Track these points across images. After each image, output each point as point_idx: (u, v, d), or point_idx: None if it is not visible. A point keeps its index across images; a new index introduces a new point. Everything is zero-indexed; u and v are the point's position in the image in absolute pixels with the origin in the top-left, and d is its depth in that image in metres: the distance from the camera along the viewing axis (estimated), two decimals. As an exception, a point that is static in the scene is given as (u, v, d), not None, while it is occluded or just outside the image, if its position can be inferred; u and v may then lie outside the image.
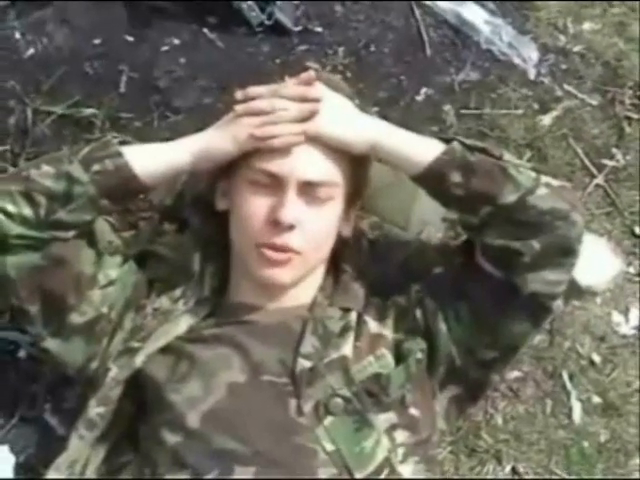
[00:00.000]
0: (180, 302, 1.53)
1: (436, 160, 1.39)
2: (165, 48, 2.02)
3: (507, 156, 1.42)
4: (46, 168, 1.42)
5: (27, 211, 1.40)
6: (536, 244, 1.37)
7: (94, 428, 1.46)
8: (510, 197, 1.37)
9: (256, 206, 1.44)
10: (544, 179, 1.40)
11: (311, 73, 1.44)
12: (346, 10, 2.09)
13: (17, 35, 2.01)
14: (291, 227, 1.42)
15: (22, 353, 1.81)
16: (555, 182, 1.42)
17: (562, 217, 1.37)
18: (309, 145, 1.42)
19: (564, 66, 2.10)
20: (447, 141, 1.42)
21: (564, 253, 1.40)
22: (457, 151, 1.40)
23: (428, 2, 2.10)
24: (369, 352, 1.46)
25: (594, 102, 2.07)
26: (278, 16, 2.01)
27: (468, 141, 1.41)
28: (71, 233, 1.43)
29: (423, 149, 1.41)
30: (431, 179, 1.41)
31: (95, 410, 1.46)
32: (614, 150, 2.04)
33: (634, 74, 2.10)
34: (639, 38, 2.12)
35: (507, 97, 2.05)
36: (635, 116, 2.06)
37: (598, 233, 1.95)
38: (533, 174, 1.40)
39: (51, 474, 1.46)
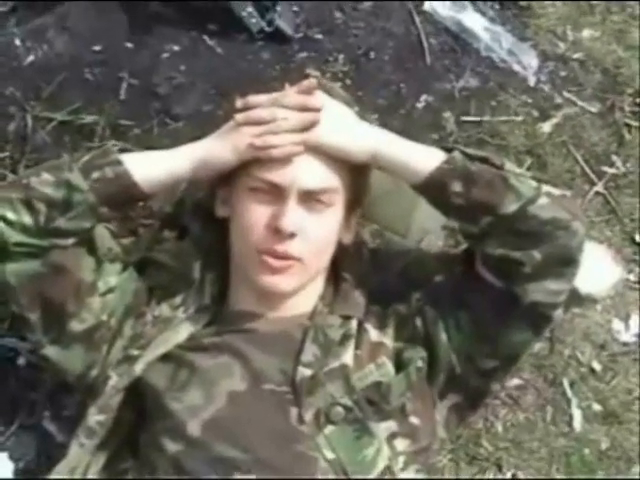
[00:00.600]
0: (180, 310, 1.52)
1: (437, 169, 1.39)
2: (165, 55, 2.02)
3: (508, 165, 1.41)
4: (46, 176, 1.41)
5: (27, 219, 1.39)
6: (537, 254, 1.37)
7: (94, 436, 1.46)
8: (511, 207, 1.37)
9: (257, 214, 1.43)
10: (545, 188, 1.39)
11: (312, 81, 1.43)
12: (346, 17, 2.08)
13: (17, 42, 2.01)
14: (292, 235, 1.41)
15: (22, 360, 1.81)
16: (556, 191, 1.41)
17: (563, 227, 1.37)
18: (309, 154, 1.42)
19: (563, 73, 2.10)
20: (448, 150, 1.41)
21: (565, 263, 1.39)
22: (458, 160, 1.39)
23: (428, 9, 2.10)
24: (370, 360, 1.45)
25: (594, 109, 2.07)
26: (278, 23, 2.00)
27: (469, 150, 1.41)
28: (71, 241, 1.43)
29: (424, 158, 1.41)
30: (432, 188, 1.41)
31: (95, 418, 1.46)
32: (614, 157, 2.04)
33: (634, 81, 2.09)
34: (639, 45, 2.12)
35: (507, 104, 2.05)
36: (635, 123, 2.06)
37: (598, 240, 1.94)
38: (534, 183, 1.40)
39: (51, 481, 1.46)
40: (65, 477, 1.45)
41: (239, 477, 1.36)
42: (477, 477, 1.80)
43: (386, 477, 1.40)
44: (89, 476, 1.46)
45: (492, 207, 1.38)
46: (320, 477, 1.37)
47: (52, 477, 1.46)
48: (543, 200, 1.37)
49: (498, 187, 1.38)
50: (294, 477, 1.36)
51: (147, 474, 1.44)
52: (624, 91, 2.09)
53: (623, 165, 2.03)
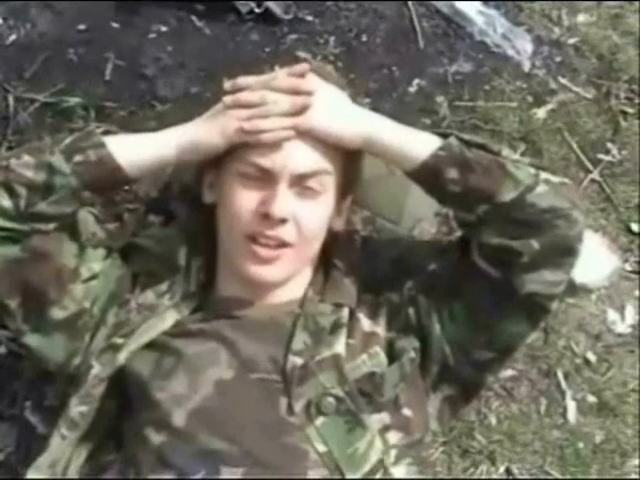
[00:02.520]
0: (166, 297, 1.50)
1: (432, 156, 1.36)
2: (152, 35, 1.99)
3: (505, 152, 1.39)
4: (27, 158, 1.39)
5: (7, 203, 1.37)
6: (535, 243, 1.34)
7: (76, 427, 1.44)
8: (509, 195, 1.34)
9: (246, 199, 1.40)
10: (543, 175, 1.37)
11: (305, 65, 1.40)
12: (338, -1, 2.07)
13: (-1, 20, 1.99)
14: (283, 221, 1.39)
15: (2, 349, 1.78)
16: (555, 179, 1.39)
17: (562, 215, 1.34)
18: (301, 138, 1.38)
19: (558, 59, 2.08)
20: (444, 136, 1.38)
21: (564, 253, 1.37)
22: (454, 147, 1.36)
23: (421, -9, 2.08)
24: (362, 350, 1.43)
25: (589, 95, 2.05)
26: (268, 4, 1.98)
27: (466, 136, 1.38)
28: (52, 225, 1.41)
29: (418, 144, 1.38)
30: (426, 175, 1.38)
31: (77, 409, 1.44)
32: (609, 145, 2.02)
33: (629, 68, 2.08)
34: (637, 31, 2.11)
35: (501, 89, 2.03)
36: (630, 110, 2.04)
37: (593, 229, 1.93)
38: (532, 171, 1.37)
39: (31, 474, 1.44)
40: (46, 470, 1.43)
41: (226, 470, 1.33)
42: (470, 470, 1.79)
43: (379, 471, 1.37)
44: (71, 469, 1.44)
45: (489, 195, 1.35)
46: (310, 471, 1.34)
47: (33, 470, 1.43)
48: (542, 188, 1.35)
49: (495, 174, 1.35)
50: (284, 470, 1.34)
51: (131, 467, 1.41)
52: (620, 77, 2.07)
53: (619, 152, 2.02)
